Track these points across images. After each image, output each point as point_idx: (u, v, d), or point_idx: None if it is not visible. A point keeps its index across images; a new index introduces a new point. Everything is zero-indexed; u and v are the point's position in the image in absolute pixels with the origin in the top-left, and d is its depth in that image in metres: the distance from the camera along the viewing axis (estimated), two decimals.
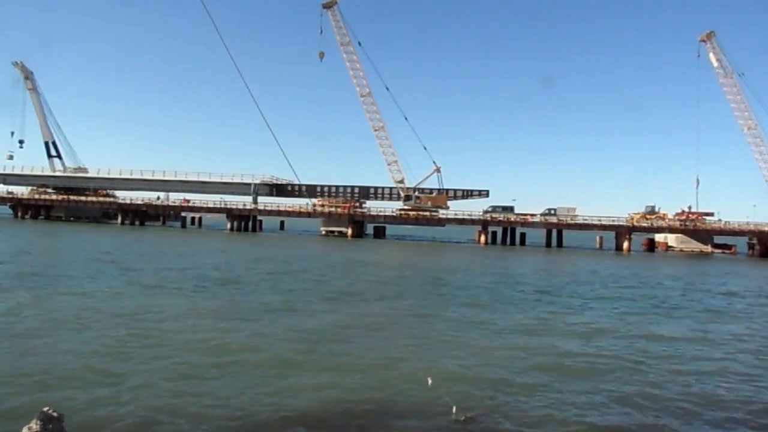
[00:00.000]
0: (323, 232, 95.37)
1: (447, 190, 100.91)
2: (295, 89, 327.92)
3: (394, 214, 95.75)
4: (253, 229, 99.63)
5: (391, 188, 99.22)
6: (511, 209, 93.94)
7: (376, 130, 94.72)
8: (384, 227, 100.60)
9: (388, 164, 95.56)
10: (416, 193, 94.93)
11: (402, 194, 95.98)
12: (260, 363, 15.07)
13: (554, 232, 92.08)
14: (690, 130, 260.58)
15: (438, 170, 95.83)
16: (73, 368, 13.82)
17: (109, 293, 25.25)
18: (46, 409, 7.74)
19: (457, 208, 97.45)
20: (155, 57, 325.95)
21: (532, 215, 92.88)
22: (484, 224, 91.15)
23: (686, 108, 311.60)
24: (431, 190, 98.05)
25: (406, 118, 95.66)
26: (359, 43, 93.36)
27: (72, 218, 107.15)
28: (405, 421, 11.39)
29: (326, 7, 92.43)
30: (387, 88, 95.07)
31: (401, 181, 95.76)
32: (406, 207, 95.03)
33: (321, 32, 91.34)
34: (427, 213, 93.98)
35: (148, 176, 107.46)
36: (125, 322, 19.18)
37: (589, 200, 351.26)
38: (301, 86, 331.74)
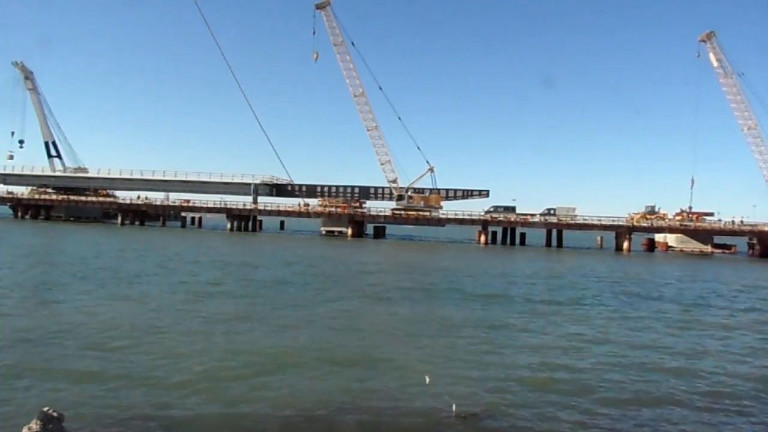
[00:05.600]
0: (323, 232, 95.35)
1: (447, 190, 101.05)
2: (297, 89, 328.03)
3: (391, 214, 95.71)
4: (253, 229, 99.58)
5: (391, 188, 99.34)
6: (512, 209, 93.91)
7: (369, 130, 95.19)
8: (384, 227, 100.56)
9: (382, 164, 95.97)
10: (408, 193, 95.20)
11: (395, 194, 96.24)
12: (259, 363, 15.07)
13: (554, 232, 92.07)
14: (690, 130, 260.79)
15: (431, 170, 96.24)
16: (74, 368, 13.83)
17: (106, 296, 25.27)
18: (46, 409, 7.75)
19: (457, 208, 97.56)
20: (155, 57, 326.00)
21: (532, 215, 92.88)
22: (484, 224, 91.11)
23: (686, 108, 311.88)
24: (429, 190, 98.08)
25: (399, 118, 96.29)
26: (353, 44, 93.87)
27: (72, 218, 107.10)
28: (405, 419, 11.39)
29: (319, 8, 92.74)
30: (380, 88, 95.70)
31: (394, 181, 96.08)
32: (398, 207, 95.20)
33: (314, 33, 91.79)
34: (427, 213, 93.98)
35: (148, 176, 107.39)
36: (127, 323, 19.21)
37: (589, 200, 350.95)
38: (302, 86, 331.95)
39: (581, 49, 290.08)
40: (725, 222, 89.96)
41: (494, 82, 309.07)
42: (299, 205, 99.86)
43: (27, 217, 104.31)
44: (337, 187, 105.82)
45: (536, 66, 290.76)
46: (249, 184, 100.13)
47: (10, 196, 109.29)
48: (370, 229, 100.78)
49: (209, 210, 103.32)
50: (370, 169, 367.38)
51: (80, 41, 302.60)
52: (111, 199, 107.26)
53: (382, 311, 24.15)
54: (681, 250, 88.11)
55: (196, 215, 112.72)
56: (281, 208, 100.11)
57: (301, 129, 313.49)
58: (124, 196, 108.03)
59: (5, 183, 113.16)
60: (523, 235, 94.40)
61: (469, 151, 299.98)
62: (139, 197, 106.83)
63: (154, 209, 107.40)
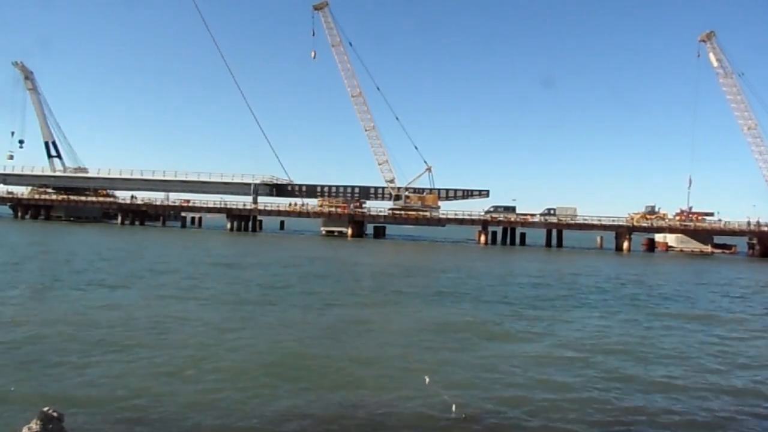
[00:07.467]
0: (323, 232, 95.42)
1: (447, 190, 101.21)
2: (296, 89, 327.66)
3: (391, 214, 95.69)
4: (253, 229, 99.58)
5: (389, 189, 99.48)
6: (512, 209, 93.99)
7: (367, 130, 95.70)
8: (384, 227, 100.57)
9: (379, 164, 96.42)
10: (406, 193, 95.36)
11: (393, 194, 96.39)
12: (256, 364, 15.07)
13: (554, 232, 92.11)
14: (690, 130, 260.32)
15: (429, 170, 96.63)
16: (73, 368, 13.83)
17: (104, 296, 25.28)
18: (46, 409, 7.75)
19: (457, 208, 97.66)
20: (155, 57, 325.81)
21: (532, 215, 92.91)
22: (484, 224, 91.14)
23: (686, 108, 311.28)
24: (430, 190, 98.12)
25: (397, 118, 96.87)
26: (350, 44, 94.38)
27: (72, 218, 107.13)
28: (404, 419, 11.39)
29: (317, 8, 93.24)
30: (378, 89, 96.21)
31: (392, 181, 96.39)
32: (396, 207, 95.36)
33: (313, 34, 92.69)
34: (427, 213, 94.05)
35: (148, 176, 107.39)
36: (126, 323, 19.22)
37: (589, 200, 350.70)
38: (302, 86, 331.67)
39: (581, 49, 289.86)
40: (732, 222, 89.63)
41: (494, 82, 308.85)
42: (291, 204, 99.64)
43: (27, 217, 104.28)
44: (337, 187, 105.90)
45: (536, 66, 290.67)
46: (249, 184, 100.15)
47: (10, 196, 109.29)
48: (370, 229, 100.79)
49: (209, 210, 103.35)
50: (370, 169, 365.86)
51: (80, 41, 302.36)
52: (111, 199, 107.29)
53: (381, 312, 24.15)
54: (681, 250, 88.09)
55: (196, 215, 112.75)
56: (281, 208, 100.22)
57: (301, 129, 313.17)
58: (124, 196, 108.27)
59: (5, 183, 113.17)
60: (523, 235, 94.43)
61: (469, 151, 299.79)
62: (133, 197, 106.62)
63: (154, 209, 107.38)
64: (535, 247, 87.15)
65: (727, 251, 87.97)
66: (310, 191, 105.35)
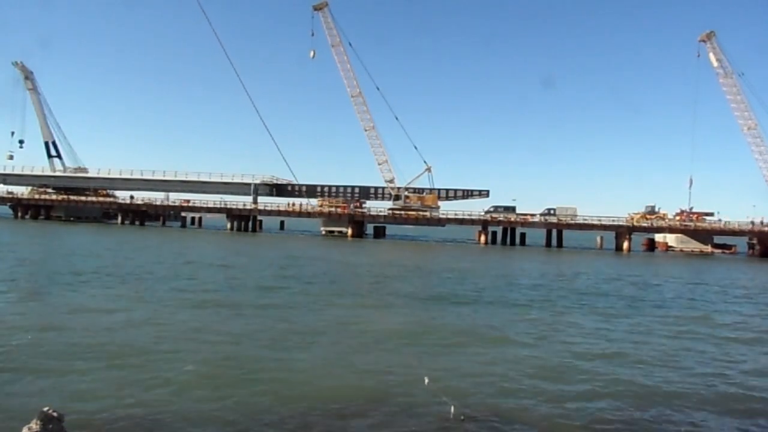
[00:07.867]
0: (323, 232, 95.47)
1: (447, 190, 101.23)
2: (297, 89, 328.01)
3: (391, 214, 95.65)
4: (253, 229, 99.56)
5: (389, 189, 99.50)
6: (512, 209, 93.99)
7: (366, 130, 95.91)
8: (384, 227, 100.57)
9: (379, 164, 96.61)
10: (405, 193, 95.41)
11: (392, 194, 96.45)
12: (254, 364, 15.06)
13: (554, 232, 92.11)
14: (690, 130, 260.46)
15: (429, 170, 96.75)
16: (74, 368, 13.82)
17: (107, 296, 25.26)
18: (46, 408, 7.74)
19: (457, 208, 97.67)
20: (156, 57, 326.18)
21: (532, 215, 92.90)
22: (485, 224, 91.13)
23: (686, 108, 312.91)
24: (430, 190, 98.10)
25: (396, 118, 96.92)
26: (350, 44, 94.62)
27: (72, 218, 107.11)
28: (403, 420, 11.38)
29: (317, 8, 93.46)
30: (378, 89, 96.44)
31: (391, 181, 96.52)
32: (396, 207, 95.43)
33: (312, 34, 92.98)
34: (427, 213, 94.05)
35: (148, 176, 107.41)
36: (126, 322, 19.21)
37: (589, 200, 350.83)
38: (302, 86, 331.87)
39: (581, 49, 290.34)
40: (732, 222, 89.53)
41: (494, 82, 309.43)
42: (291, 204, 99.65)
43: (27, 217, 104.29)
44: (337, 187, 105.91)
45: (536, 66, 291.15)
46: (249, 184, 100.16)
47: (10, 196, 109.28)
48: (370, 229, 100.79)
49: (209, 210, 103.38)
50: (370, 169, 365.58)
51: (80, 41, 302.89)
52: (111, 199, 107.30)
53: (379, 313, 24.16)
54: (681, 250, 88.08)
55: (196, 215, 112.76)
56: (281, 208, 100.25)
57: (301, 129, 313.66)
58: (124, 196, 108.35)
59: (5, 183, 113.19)
60: (523, 235, 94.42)
61: (469, 151, 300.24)
62: (132, 197, 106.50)
63: (154, 209, 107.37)
64: (535, 247, 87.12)
65: (727, 251, 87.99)
66: (310, 191, 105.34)
